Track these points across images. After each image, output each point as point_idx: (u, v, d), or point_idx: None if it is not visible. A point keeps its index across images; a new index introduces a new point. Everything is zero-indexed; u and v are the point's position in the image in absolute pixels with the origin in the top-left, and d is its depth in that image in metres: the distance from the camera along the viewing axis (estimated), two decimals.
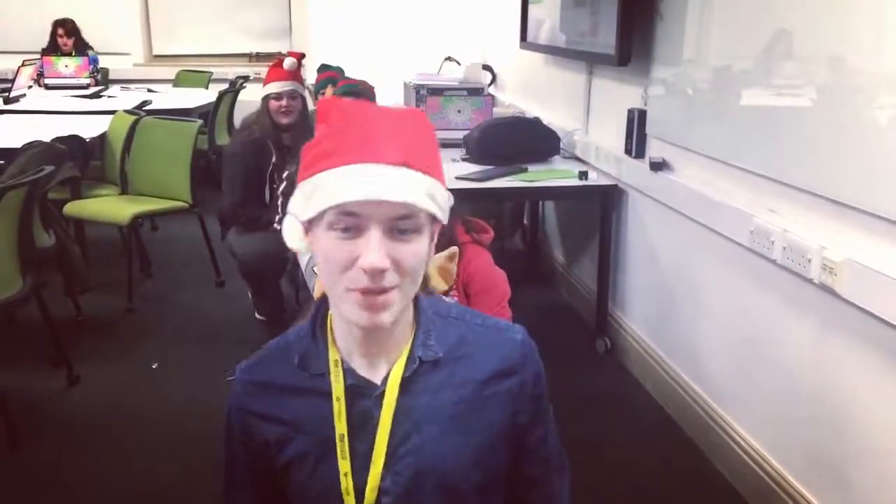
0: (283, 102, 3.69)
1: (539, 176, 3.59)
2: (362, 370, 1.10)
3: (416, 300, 1.10)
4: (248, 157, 3.66)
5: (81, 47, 6.71)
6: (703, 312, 2.85)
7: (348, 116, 1.00)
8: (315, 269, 1.12)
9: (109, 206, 4.20)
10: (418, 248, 1.00)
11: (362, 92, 3.78)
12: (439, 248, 1.33)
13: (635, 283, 3.44)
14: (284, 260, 3.29)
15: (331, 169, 0.97)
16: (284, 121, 3.71)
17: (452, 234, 2.09)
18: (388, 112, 1.02)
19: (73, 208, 4.14)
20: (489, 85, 5.62)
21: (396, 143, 0.98)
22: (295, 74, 3.75)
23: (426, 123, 1.05)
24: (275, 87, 3.70)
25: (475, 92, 4.93)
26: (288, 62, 3.69)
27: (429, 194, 0.98)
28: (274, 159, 3.62)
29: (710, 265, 2.77)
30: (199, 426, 2.95)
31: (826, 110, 2.09)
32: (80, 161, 4.20)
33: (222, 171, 3.93)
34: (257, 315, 3.89)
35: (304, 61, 3.98)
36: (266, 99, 3.73)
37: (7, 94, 5.64)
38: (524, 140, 3.89)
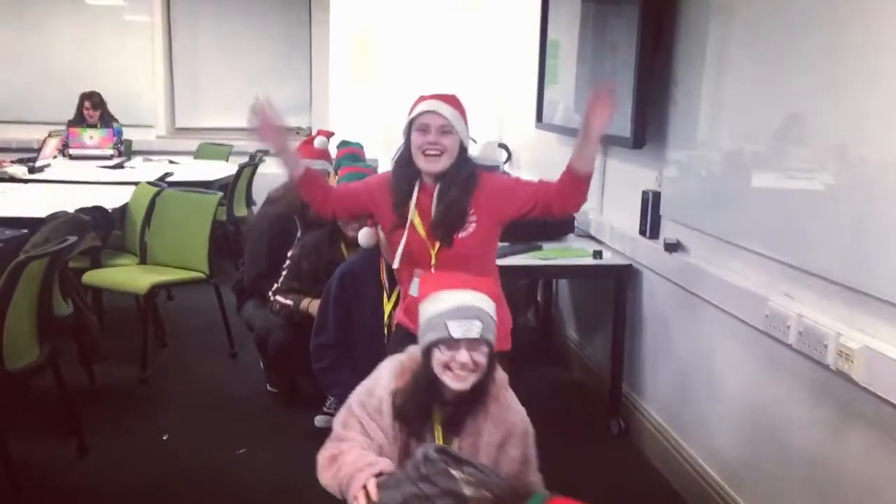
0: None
1: (554, 254, 3.61)
2: None
3: None
4: (273, 230, 3.69)
5: (107, 119, 6.88)
6: (718, 395, 2.82)
7: None
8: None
9: (128, 276, 4.24)
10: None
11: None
12: None
13: (650, 363, 3.42)
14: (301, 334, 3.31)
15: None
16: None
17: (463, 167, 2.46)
18: None
19: (93, 277, 4.19)
20: (505, 163, 5.70)
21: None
22: (324, 153, 3.79)
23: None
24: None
25: (491, 169, 5.00)
26: (319, 141, 3.72)
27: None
28: (299, 234, 3.65)
29: (726, 347, 2.76)
30: (209, 501, 2.92)
31: (840, 196, 2.11)
32: (102, 231, 4.27)
33: (245, 242, 3.96)
34: (269, 387, 3.89)
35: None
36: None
37: (33, 163, 5.76)
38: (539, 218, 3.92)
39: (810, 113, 2.26)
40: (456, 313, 1.90)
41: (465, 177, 2.45)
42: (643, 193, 3.30)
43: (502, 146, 5.77)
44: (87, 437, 3.27)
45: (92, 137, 6.66)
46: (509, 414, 2.04)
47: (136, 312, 4.56)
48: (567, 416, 3.71)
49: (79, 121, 6.81)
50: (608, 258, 3.57)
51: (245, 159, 6.51)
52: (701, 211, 2.92)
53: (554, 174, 4.84)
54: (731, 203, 2.69)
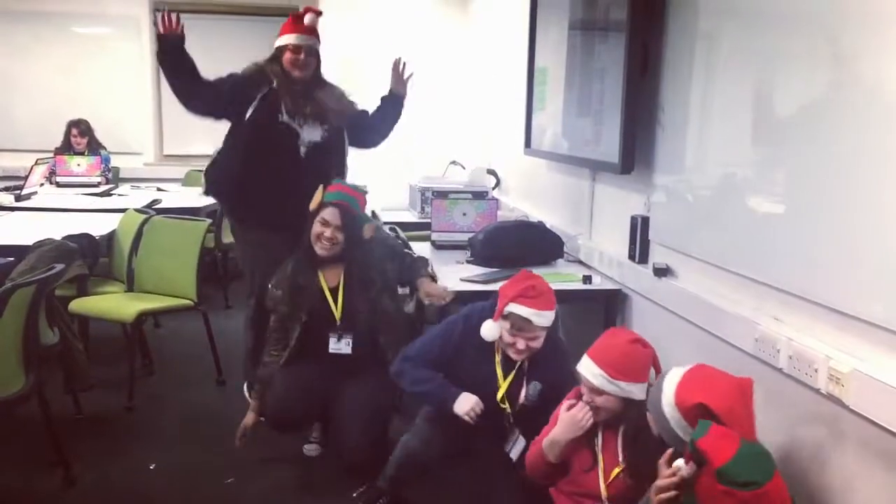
0: (301, 57, 3.47)
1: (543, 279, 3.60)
2: None
3: None
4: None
5: (94, 147, 6.87)
6: None
7: None
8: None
9: (115, 304, 4.21)
10: None
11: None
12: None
13: None
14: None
15: None
16: (298, 74, 3.53)
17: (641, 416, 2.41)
18: None
19: (79, 305, 4.15)
20: (494, 188, 5.73)
21: None
22: (313, 31, 3.52)
23: None
24: (292, 39, 3.47)
25: (480, 195, 5.03)
26: (309, 17, 3.43)
27: None
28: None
29: None
30: None
31: (828, 220, 2.12)
32: (89, 259, 4.24)
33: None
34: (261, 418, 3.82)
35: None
36: (280, 51, 3.51)
37: (19, 191, 5.74)
38: (528, 243, 3.94)
39: (796, 137, 2.28)
40: None
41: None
42: (632, 218, 3.31)
43: (491, 172, 5.80)
44: (73, 466, 3.23)
45: (79, 165, 6.65)
46: None
47: (122, 340, 4.52)
48: None
49: (66, 148, 6.79)
50: (597, 283, 3.57)
51: None
52: (690, 235, 2.93)
53: (542, 200, 4.87)
54: (720, 227, 2.70)
